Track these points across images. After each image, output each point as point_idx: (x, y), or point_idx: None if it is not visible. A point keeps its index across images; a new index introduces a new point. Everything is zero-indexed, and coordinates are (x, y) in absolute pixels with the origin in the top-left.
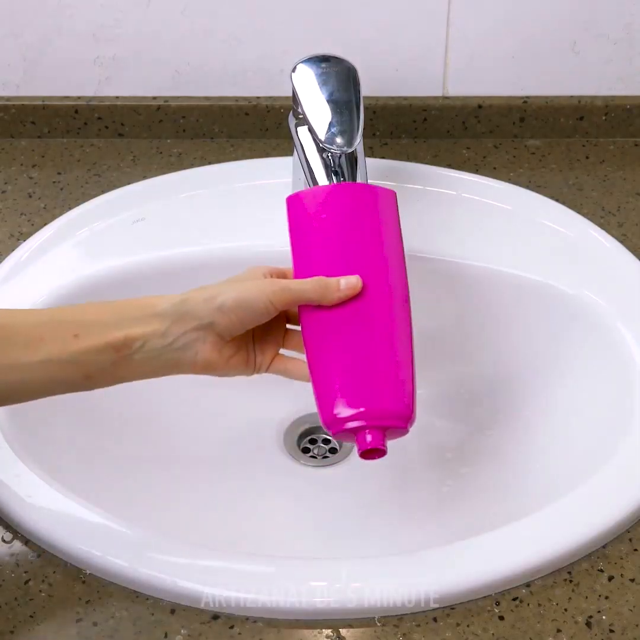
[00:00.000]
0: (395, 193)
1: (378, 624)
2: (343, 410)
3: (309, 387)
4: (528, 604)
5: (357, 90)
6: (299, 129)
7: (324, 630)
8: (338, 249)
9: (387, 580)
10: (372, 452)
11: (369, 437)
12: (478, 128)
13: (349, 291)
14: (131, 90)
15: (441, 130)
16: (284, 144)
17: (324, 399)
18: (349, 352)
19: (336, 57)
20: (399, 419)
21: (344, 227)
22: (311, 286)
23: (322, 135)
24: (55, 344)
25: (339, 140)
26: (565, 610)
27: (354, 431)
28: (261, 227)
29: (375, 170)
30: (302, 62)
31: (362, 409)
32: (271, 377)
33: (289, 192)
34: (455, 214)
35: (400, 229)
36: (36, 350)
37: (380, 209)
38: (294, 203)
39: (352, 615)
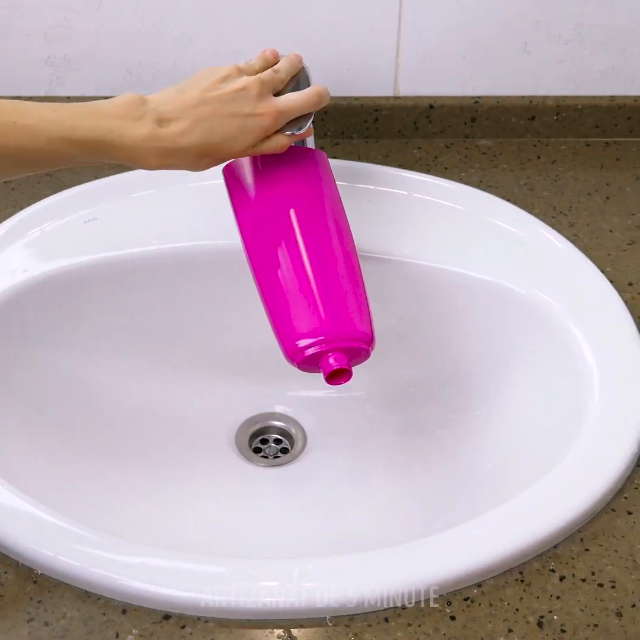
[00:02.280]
0: (325, 153)
1: (329, 624)
2: (302, 340)
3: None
4: (479, 604)
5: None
6: None
7: (275, 630)
8: (278, 201)
9: (339, 580)
10: (338, 376)
11: (332, 360)
12: (429, 128)
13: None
14: (83, 90)
15: (392, 130)
16: None
17: (282, 333)
18: (301, 284)
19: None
20: (359, 340)
21: (282, 180)
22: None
23: None
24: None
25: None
26: (517, 610)
27: (317, 357)
28: (212, 225)
29: None
30: None
31: (322, 337)
32: (223, 377)
33: None
34: (407, 214)
35: (333, 180)
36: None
37: (313, 162)
38: (230, 170)
39: (304, 615)
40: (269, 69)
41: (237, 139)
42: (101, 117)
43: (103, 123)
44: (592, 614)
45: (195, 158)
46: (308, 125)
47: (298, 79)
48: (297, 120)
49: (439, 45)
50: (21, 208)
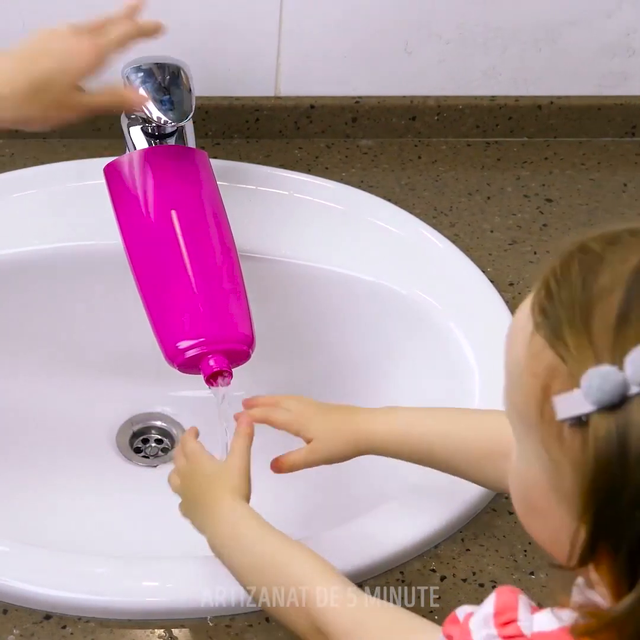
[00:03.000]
0: (206, 153)
1: (210, 624)
2: (183, 342)
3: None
4: None
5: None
6: (131, 128)
7: (156, 630)
8: (159, 201)
9: (220, 580)
10: (218, 377)
11: (212, 362)
12: (310, 128)
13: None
14: None
15: (273, 130)
16: (116, 144)
17: (163, 334)
18: (181, 285)
19: (166, 60)
20: (239, 342)
21: (163, 180)
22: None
23: (154, 114)
24: None
25: (171, 115)
26: None
27: (197, 359)
28: (93, 226)
29: None
30: (131, 67)
31: (202, 339)
32: (104, 377)
33: None
34: (288, 214)
35: (214, 180)
36: None
37: (194, 162)
38: (111, 170)
39: (185, 615)
40: None
41: (60, 70)
42: None
43: None
44: None
45: (29, 102)
46: None
47: (178, 77)
48: None
49: (320, 45)
50: None
